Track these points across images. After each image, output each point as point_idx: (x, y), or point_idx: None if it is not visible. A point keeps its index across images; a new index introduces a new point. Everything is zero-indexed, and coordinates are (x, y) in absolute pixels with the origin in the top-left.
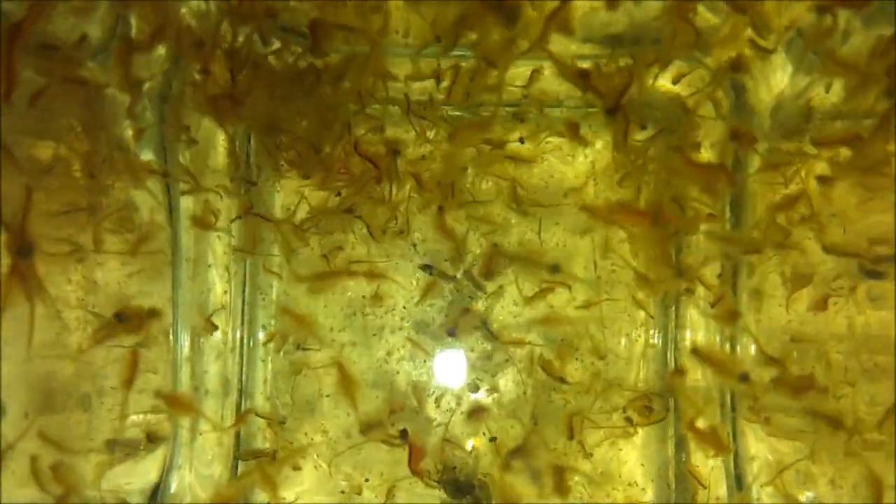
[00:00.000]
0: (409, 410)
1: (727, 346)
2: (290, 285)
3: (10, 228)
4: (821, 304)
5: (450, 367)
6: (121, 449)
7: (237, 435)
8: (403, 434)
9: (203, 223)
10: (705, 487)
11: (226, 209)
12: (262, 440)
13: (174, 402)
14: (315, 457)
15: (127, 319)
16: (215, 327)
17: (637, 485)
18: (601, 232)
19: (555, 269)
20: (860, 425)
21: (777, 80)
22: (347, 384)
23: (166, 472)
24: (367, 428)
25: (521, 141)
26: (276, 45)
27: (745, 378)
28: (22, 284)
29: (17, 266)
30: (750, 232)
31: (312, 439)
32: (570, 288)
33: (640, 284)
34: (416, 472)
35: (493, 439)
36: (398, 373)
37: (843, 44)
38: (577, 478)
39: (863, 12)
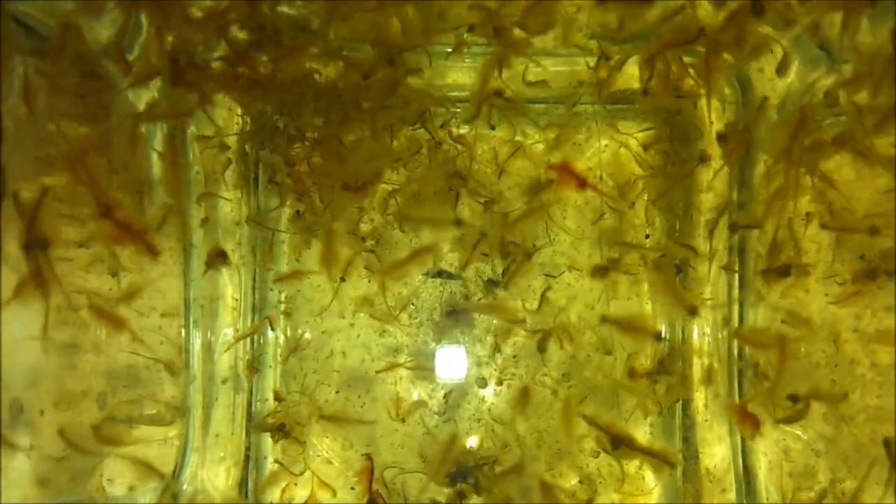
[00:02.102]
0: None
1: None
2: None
3: (26, 220)
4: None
5: (457, 363)
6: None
7: (248, 433)
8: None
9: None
10: (696, 489)
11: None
12: (273, 441)
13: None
14: (325, 454)
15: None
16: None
17: (644, 480)
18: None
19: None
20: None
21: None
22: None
23: (177, 469)
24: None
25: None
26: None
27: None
28: (38, 278)
29: (33, 259)
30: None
31: (325, 435)
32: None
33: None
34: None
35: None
36: (406, 369)
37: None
38: (585, 473)
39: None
